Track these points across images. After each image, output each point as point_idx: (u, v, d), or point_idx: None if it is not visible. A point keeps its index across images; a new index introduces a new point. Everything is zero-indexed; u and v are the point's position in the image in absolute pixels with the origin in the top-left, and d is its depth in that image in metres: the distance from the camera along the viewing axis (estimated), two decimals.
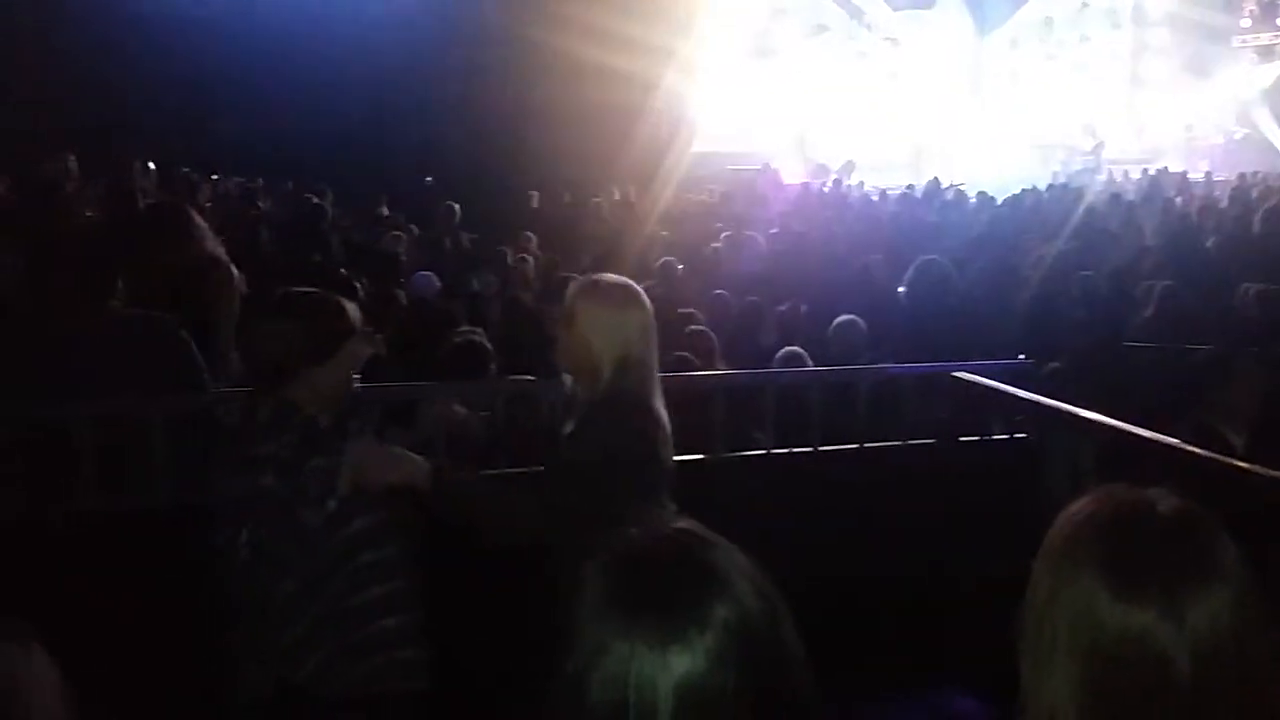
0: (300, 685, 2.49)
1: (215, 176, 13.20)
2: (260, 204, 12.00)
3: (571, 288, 2.85)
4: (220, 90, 14.18)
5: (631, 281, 2.83)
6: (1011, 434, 4.61)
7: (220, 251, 4.26)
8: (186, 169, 12.57)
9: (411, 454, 2.56)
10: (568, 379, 2.83)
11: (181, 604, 3.06)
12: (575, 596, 1.23)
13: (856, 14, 21.34)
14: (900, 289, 6.79)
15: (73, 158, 12.85)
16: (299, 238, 9.12)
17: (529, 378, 4.25)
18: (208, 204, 11.86)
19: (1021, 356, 5.00)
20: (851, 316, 5.93)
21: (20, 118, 13.84)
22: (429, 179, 14.17)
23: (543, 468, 3.01)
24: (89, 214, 10.20)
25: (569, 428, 2.79)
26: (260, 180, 13.45)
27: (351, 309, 2.64)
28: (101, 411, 3.60)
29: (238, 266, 6.86)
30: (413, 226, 10.74)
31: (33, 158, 12.81)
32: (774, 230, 10.67)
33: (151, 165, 12.76)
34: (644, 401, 2.69)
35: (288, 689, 2.50)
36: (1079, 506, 1.36)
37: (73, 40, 14.43)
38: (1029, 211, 13.01)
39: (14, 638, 1.02)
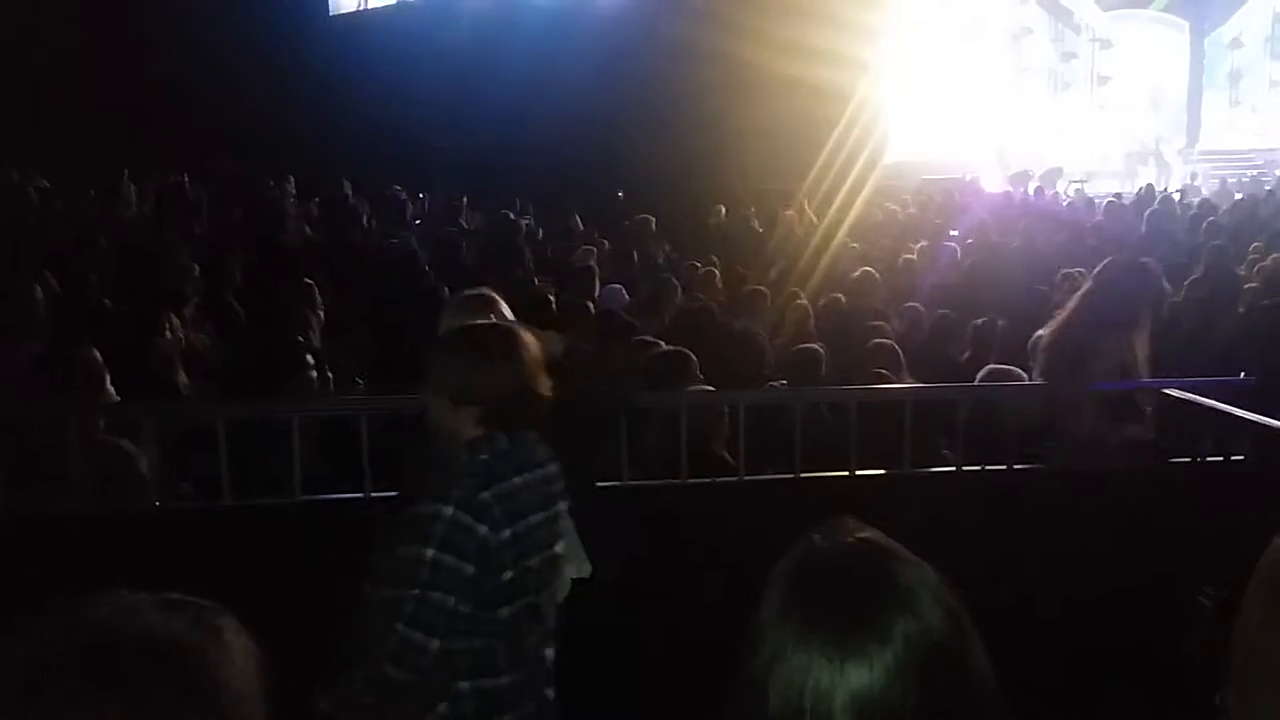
0: None
1: (422, 196, 13.82)
2: (463, 220, 12.48)
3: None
4: (431, 112, 14.86)
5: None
6: (1227, 455, 4.31)
7: None
8: (397, 186, 13.21)
9: None
10: None
11: None
12: (760, 602, 1.24)
13: (1063, 15, 20.48)
14: None
15: (292, 179, 13.70)
16: (497, 251, 9.45)
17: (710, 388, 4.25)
18: (417, 220, 12.45)
19: (1242, 374, 4.67)
20: None
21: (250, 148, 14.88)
22: (620, 193, 14.43)
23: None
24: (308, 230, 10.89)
25: None
26: (464, 198, 14.00)
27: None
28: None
29: (438, 279, 7.08)
30: (604, 241, 10.96)
31: (259, 182, 13.73)
32: (970, 240, 10.35)
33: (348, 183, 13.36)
34: None
35: None
36: None
37: (295, 71, 15.44)
38: (1247, 220, 12.16)
39: (205, 615, 1.06)
